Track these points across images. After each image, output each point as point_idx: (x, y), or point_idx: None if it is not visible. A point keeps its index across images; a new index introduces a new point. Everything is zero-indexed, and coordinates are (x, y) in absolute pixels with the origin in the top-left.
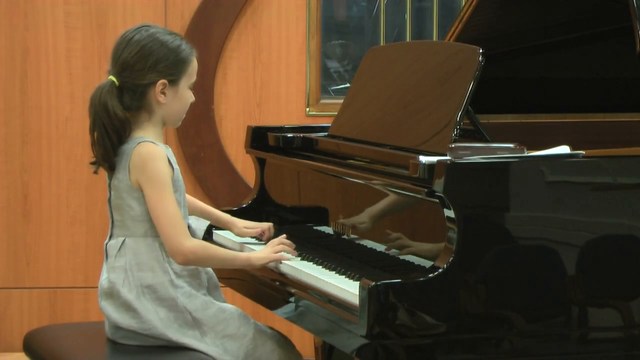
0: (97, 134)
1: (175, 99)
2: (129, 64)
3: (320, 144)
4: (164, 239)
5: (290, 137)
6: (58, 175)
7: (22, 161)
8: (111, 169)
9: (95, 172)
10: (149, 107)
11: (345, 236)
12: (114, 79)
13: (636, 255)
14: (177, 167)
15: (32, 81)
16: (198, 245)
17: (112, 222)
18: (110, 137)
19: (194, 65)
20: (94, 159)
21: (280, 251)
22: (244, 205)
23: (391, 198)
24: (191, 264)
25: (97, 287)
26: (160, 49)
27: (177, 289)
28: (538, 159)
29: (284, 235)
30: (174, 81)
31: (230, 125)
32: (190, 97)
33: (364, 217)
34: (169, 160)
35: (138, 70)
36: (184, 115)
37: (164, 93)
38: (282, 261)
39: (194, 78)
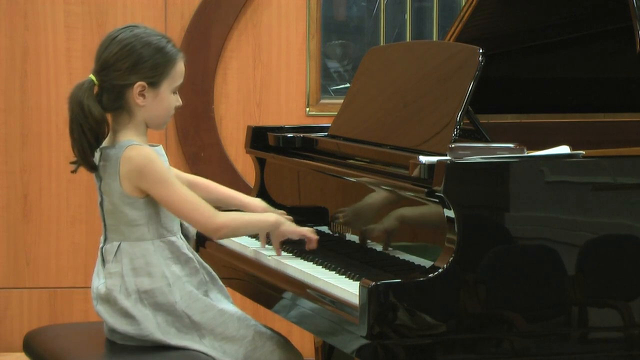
0: (75, 133)
1: (155, 102)
2: (108, 64)
3: (320, 144)
4: (194, 225)
5: (290, 137)
6: (58, 175)
7: (22, 161)
8: (91, 169)
9: (74, 172)
10: (129, 109)
11: (345, 236)
12: (93, 77)
13: (636, 255)
14: (168, 165)
15: (32, 81)
16: (228, 217)
17: (105, 226)
18: (87, 137)
19: (178, 68)
20: (74, 158)
21: (311, 238)
22: None
23: (391, 198)
24: (227, 237)
25: None
26: (141, 50)
27: (175, 293)
28: (538, 159)
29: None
30: (154, 84)
31: (230, 125)
32: (174, 101)
33: (363, 217)
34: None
35: (116, 71)
36: (169, 119)
37: (142, 95)
38: (284, 261)
39: (178, 82)
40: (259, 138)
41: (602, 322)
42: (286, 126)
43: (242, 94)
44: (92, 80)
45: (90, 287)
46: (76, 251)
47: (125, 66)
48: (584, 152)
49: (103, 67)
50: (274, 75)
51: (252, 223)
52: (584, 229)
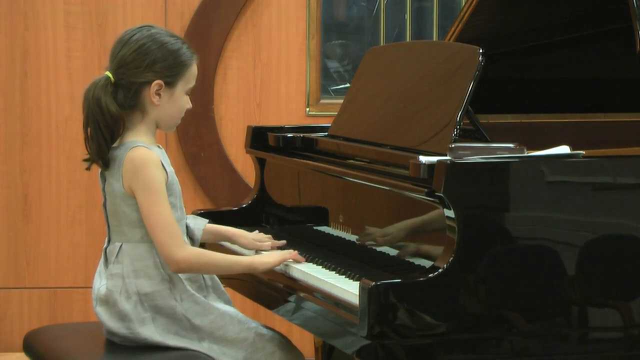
0: (90, 129)
1: (170, 102)
2: (125, 62)
3: (320, 144)
4: (157, 247)
5: (290, 137)
6: (58, 175)
7: (22, 161)
8: (105, 165)
9: (88, 169)
10: (143, 107)
11: (345, 236)
12: (110, 74)
13: (636, 255)
14: (172, 169)
15: (32, 81)
16: (192, 254)
17: (109, 226)
18: (103, 133)
19: (192, 70)
20: (87, 156)
21: (288, 258)
22: (244, 205)
23: (391, 198)
24: (185, 272)
25: None
26: (158, 50)
27: (175, 297)
28: (538, 159)
29: (296, 252)
30: (170, 83)
31: (230, 125)
32: (186, 103)
33: (364, 217)
34: (162, 164)
35: (134, 68)
36: (179, 121)
37: (158, 94)
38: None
39: (192, 84)
40: (259, 138)
41: (602, 322)
42: (286, 126)
43: (242, 94)
44: (109, 78)
45: (90, 287)
46: (76, 251)
47: (144, 64)
48: (584, 152)
49: (120, 64)
50: (274, 75)
51: (219, 265)
52: (584, 229)
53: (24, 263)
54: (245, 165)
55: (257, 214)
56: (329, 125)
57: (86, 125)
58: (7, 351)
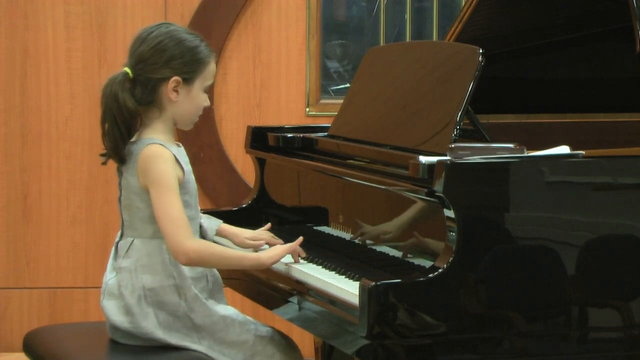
0: (107, 125)
1: (187, 99)
2: (143, 58)
3: (320, 144)
4: (165, 239)
5: (290, 137)
6: (58, 175)
7: (22, 161)
8: (121, 161)
9: (104, 163)
10: (160, 104)
11: (345, 236)
12: (128, 70)
13: (636, 255)
14: (189, 167)
15: (32, 81)
16: (201, 244)
17: (123, 221)
18: (120, 129)
19: (210, 68)
20: (104, 150)
21: (293, 248)
22: (244, 205)
23: (391, 198)
24: (194, 264)
25: (97, 287)
26: (176, 47)
27: (180, 294)
28: (538, 159)
29: (301, 238)
30: (187, 80)
31: (230, 125)
32: (204, 101)
33: (364, 218)
34: (179, 162)
35: (152, 64)
36: (197, 119)
37: (176, 91)
38: (284, 261)
39: (209, 81)
40: (259, 138)
41: (602, 322)
42: (286, 126)
43: (242, 94)
44: (127, 73)
45: (90, 287)
46: (76, 251)
47: (162, 60)
48: (584, 152)
49: (139, 60)
50: (274, 75)
51: (229, 258)
52: (584, 229)
53: (24, 263)
54: (245, 165)
55: (257, 214)
56: (329, 125)
57: (103, 120)
58: (7, 351)
